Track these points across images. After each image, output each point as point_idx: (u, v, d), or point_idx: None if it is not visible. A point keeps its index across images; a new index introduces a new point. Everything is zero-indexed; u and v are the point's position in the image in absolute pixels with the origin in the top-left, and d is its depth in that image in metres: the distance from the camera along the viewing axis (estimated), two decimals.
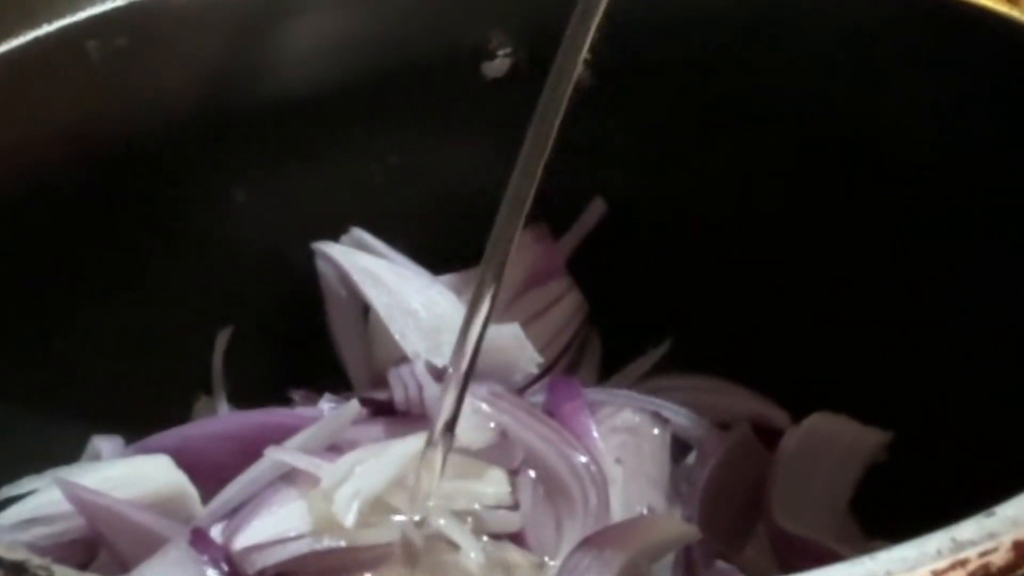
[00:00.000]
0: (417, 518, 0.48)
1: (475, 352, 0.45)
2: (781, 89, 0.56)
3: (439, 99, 0.59)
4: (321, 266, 0.60)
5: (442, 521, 0.49)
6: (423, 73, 0.58)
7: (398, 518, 0.49)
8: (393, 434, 0.55)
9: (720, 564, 0.52)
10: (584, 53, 0.42)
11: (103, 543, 0.51)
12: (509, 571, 0.50)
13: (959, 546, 0.28)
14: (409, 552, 0.48)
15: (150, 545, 0.48)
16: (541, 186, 0.55)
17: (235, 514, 0.52)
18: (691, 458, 0.57)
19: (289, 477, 0.53)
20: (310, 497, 0.51)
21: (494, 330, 0.57)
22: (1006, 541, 0.28)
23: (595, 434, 0.55)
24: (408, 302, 0.57)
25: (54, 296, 0.54)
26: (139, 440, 0.56)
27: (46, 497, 0.51)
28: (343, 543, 0.49)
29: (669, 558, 0.51)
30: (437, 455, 0.47)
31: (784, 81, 0.56)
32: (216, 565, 0.48)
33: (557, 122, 0.42)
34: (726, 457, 0.56)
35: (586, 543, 0.48)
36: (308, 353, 0.61)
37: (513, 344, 0.57)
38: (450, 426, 0.46)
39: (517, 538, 0.52)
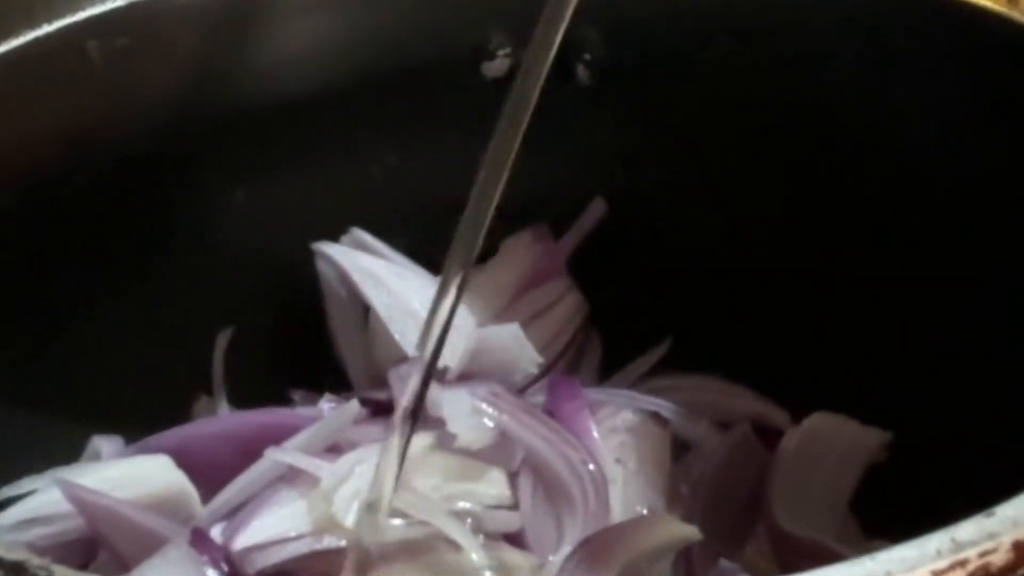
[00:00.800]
0: (382, 524, 0.48)
1: (441, 339, 0.45)
2: (781, 90, 0.56)
3: (439, 99, 0.59)
4: (321, 266, 0.60)
5: (431, 518, 0.49)
6: (423, 73, 0.58)
7: (396, 520, 0.49)
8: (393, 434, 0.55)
9: (723, 563, 0.52)
10: (555, 45, 0.42)
11: (103, 543, 0.51)
12: (508, 572, 0.50)
13: (959, 546, 0.28)
14: (360, 561, 0.47)
15: (150, 545, 0.48)
16: (541, 186, 0.55)
17: (235, 514, 0.52)
18: (691, 458, 0.57)
19: (289, 477, 0.53)
20: (310, 497, 0.51)
21: (494, 330, 0.58)
22: (1006, 541, 0.28)
23: (595, 434, 0.55)
24: (408, 302, 0.57)
25: (54, 296, 0.54)
26: (139, 440, 0.56)
27: (46, 497, 0.51)
28: (343, 543, 0.49)
29: (669, 558, 0.51)
30: (395, 442, 0.46)
31: (783, 82, 0.56)
32: (216, 565, 0.48)
33: (527, 115, 0.42)
34: (726, 457, 0.56)
35: (586, 543, 0.48)
36: (308, 353, 0.61)
37: (513, 344, 0.57)
38: (412, 413, 0.46)
39: (517, 538, 0.52)
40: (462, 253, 0.44)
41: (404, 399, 0.46)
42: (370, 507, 0.47)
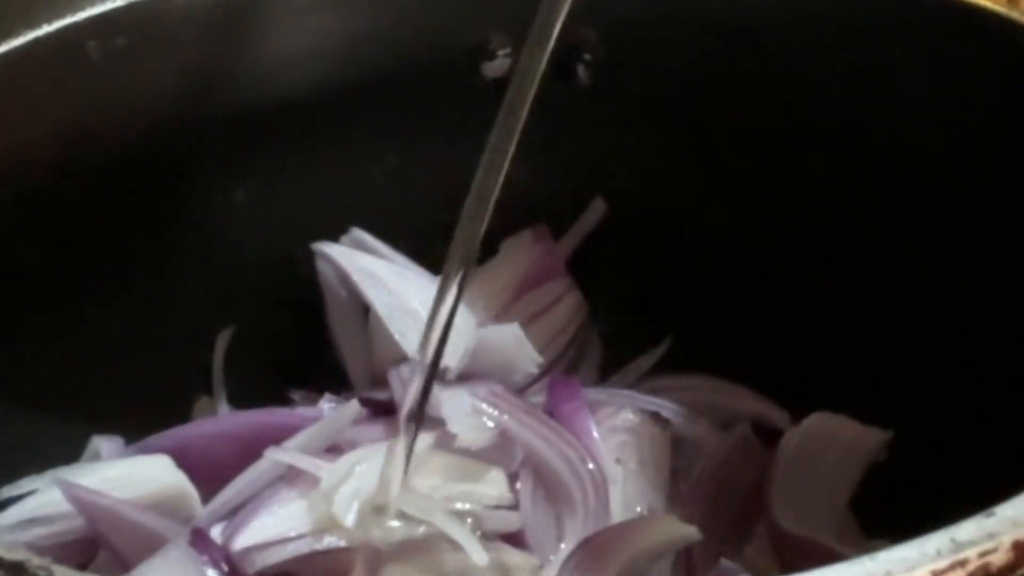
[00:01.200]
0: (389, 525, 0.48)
1: (442, 341, 0.45)
2: (780, 90, 0.56)
3: (439, 99, 0.59)
4: (321, 266, 0.60)
5: (431, 518, 0.49)
6: (423, 73, 0.58)
7: (394, 522, 0.49)
8: (393, 434, 0.55)
9: (724, 563, 0.52)
10: (551, 43, 0.42)
11: (103, 543, 0.51)
12: (508, 572, 0.50)
13: (959, 546, 0.28)
14: (370, 561, 0.47)
15: (150, 545, 0.48)
16: (541, 186, 0.55)
17: (235, 514, 0.52)
18: (691, 458, 0.57)
19: (289, 477, 0.53)
20: (310, 497, 0.51)
21: (494, 330, 0.58)
22: (1006, 541, 0.28)
23: (595, 434, 0.55)
24: (408, 302, 0.57)
25: (54, 296, 0.54)
26: (139, 440, 0.56)
27: (46, 497, 0.51)
28: (343, 543, 0.49)
29: (669, 558, 0.51)
30: (401, 444, 0.46)
31: (783, 82, 0.56)
32: (216, 565, 0.48)
33: (523, 114, 0.42)
34: (726, 457, 0.56)
35: (586, 543, 0.48)
36: (308, 353, 0.61)
37: (513, 344, 0.57)
38: (415, 415, 0.46)
39: (517, 538, 0.52)
40: (461, 253, 0.44)
41: (407, 401, 0.46)
42: (377, 509, 0.47)
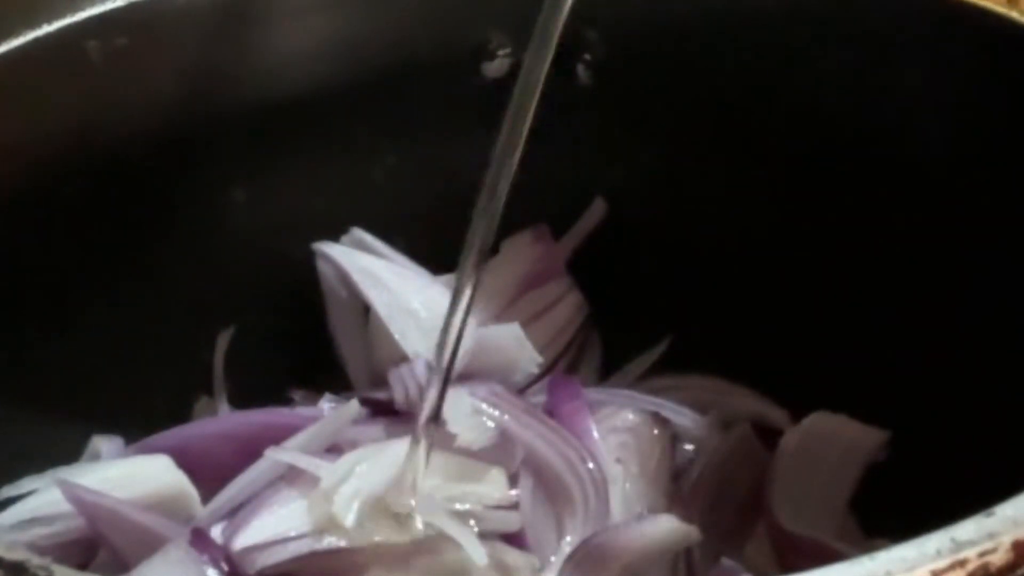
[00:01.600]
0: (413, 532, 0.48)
1: (457, 344, 0.45)
2: (781, 89, 0.56)
3: (439, 99, 0.59)
4: (321, 266, 0.60)
5: (432, 518, 0.49)
6: (423, 73, 0.58)
7: (392, 523, 0.49)
8: (393, 434, 0.55)
9: (724, 563, 0.52)
10: (556, 39, 0.42)
11: (103, 543, 0.51)
12: (509, 572, 0.50)
13: (959, 546, 0.28)
14: (374, 559, 0.48)
15: (150, 545, 0.48)
16: (541, 186, 0.55)
17: (235, 514, 0.52)
18: (691, 458, 0.57)
19: (289, 477, 0.53)
20: (310, 497, 0.51)
21: (494, 330, 0.58)
22: (1005, 541, 0.28)
23: (595, 434, 0.55)
24: (408, 302, 0.57)
25: (54, 296, 0.54)
26: (139, 440, 0.56)
27: (46, 497, 0.51)
28: (343, 543, 0.49)
29: (669, 558, 0.51)
30: (421, 449, 0.46)
31: (784, 81, 0.56)
32: (216, 565, 0.48)
33: (531, 110, 0.42)
34: (726, 457, 0.56)
35: (586, 543, 0.48)
36: (308, 353, 0.61)
37: (513, 344, 0.57)
38: (434, 419, 0.46)
39: (517, 538, 0.52)
40: (475, 254, 0.44)
41: (425, 407, 0.46)
42: (398, 517, 0.47)
